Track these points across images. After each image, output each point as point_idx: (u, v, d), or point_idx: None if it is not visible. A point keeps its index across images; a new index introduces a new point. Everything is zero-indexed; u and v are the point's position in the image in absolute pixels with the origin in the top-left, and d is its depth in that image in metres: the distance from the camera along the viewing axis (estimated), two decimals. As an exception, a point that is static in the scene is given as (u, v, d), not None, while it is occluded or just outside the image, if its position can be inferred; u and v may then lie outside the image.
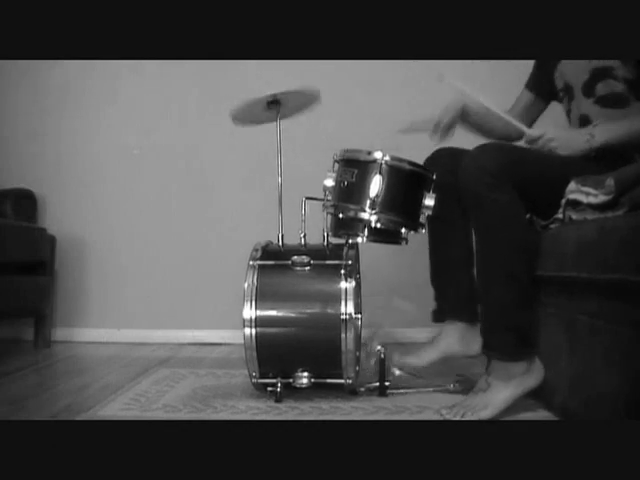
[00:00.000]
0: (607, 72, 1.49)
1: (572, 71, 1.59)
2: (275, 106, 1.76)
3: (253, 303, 1.55)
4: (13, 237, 2.32)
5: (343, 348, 1.51)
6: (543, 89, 1.74)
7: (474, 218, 1.47)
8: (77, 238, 2.72)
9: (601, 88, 1.51)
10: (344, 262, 1.57)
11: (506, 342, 1.42)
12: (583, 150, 1.45)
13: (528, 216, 1.50)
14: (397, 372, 1.68)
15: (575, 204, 1.37)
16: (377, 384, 1.63)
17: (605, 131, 1.45)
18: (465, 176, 1.42)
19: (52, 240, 2.56)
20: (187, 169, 2.74)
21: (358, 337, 1.69)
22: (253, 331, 1.54)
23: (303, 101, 1.81)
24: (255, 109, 1.79)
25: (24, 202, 2.59)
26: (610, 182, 1.26)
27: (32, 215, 2.62)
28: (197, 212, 2.73)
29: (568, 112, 1.66)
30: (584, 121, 1.58)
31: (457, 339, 1.66)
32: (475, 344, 1.59)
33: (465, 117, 1.71)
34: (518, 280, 1.40)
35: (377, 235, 1.53)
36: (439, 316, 1.71)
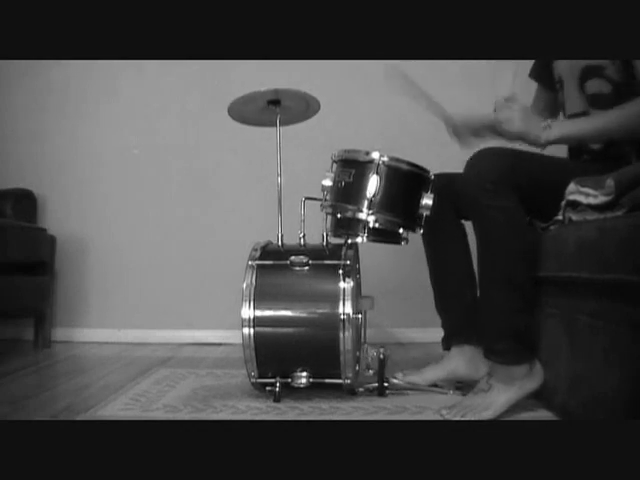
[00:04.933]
0: (598, 71, 1.48)
1: (565, 66, 1.58)
2: (275, 106, 1.76)
3: (251, 303, 1.55)
4: (13, 237, 2.32)
5: (341, 348, 1.51)
6: (544, 78, 1.71)
7: (475, 225, 1.46)
8: (77, 238, 2.72)
9: (590, 87, 1.50)
10: (342, 262, 1.57)
11: (508, 346, 1.41)
12: (536, 136, 1.43)
13: (528, 219, 1.50)
14: (396, 380, 1.67)
15: (575, 205, 1.36)
16: (376, 384, 1.63)
17: (563, 126, 1.45)
18: (465, 184, 1.41)
19: (52, 240, 2.56)
20: (187, 169, 2.75)
21: (357, 337, 1.69)
22: (251, 331, 1.54)
23: (302, 107, 1.81)
24: (254, 107, 1.78)
25: (24, 202, 2.59)
26: (610, 183, 1.25)
27: (32, 215, 2.62)
28: (197, 212, 2.73)
29: (562, 105, 1.66)
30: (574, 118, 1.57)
31: (464, 362, 1.65)
32: (482, 367, 1.57)
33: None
34: (519, 285, 1.40)
35: (376, 235, 1.53)
36: (447, 343, 1.71)
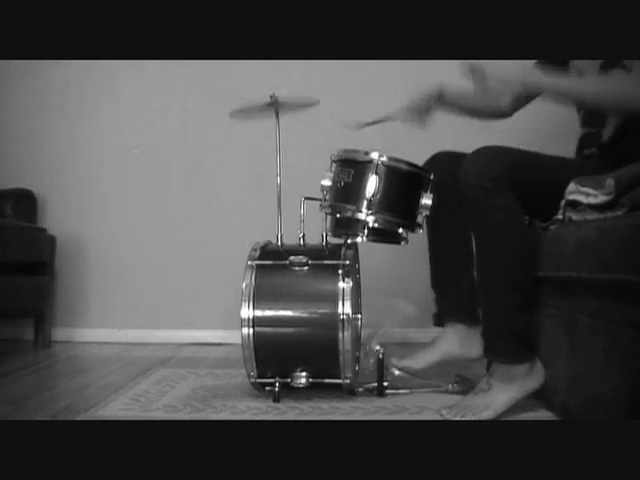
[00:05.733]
0: (617, 60, 1.46)
1: (583, 62, 1.57)
2: (273, 105, 1.76)
3: (251, 303, 1.55)
4: (13, 237, 2.32)
5: (341, 348, 1.51)
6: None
7: (474, 223, 1.46)
8: (77, 238, 2.72)
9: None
10: (342, 262, 1.56)
11: (508, 345, 1.41)
12: (513, 82, 1.44)
13: (527, 218, 1.50)
14: (396, 372, 1.67)
15: (575, 204, 1.36)
16: (375, 384, 1.63)
17: (541, 75, 1.43)
18: (464, 181, 1.41)
19: (52, 240, 2.56)
20: (187, 169, 2.75)
21: (357, 337, 1.69)
22: (251, 331, 1.54)
23: (302, 103, 1.81)
24: (253, 108, 1.79)
25: (24, 202, 2.59)
26: (610, 182, 1.25)
27: (32, 215, 2.62)
28: (197, 212, 2.73)
29: (578, 109, 1.65)
30: (590, 115, 1.57)
31: (457, 341, 1.65)
32: (475, 346, 1.59)
33: (442, 100, 1.70)
34: (519, 284, 1.40)
35: (376, 235, 1.53)
36: (439, 319, 1.71)
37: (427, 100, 1.68)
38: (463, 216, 1.60)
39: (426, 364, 1.67)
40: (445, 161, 1.61)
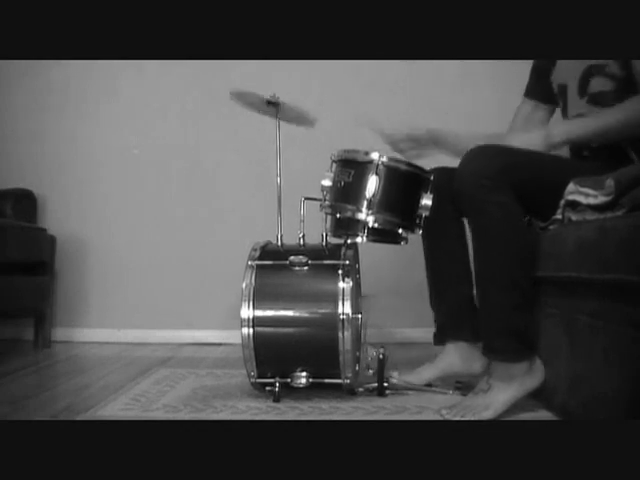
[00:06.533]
0: (600, 69, 1.48)
1: (567, 71, 1.59)
2: (273, 106, 1.76)
3: (251, 303, 1.55)
4: (13, 237, 2.32)
5: (341, 348, 1.51)
6: (542, 94, 1.71)
7: (472, 222, 1.46)
8: (77, 238, 2.72)
9: (593, 86, 1.50)
10: (342, 262, 1.56)
11: (507, 344, 1.41)
12: (544, 147, 1.46)
13: (527, 218, 1.50)
14: (394, 380, 1.67)
15: (574, 205, 1.36)
16: (376, 384, 1.63)
17: (563, 130, 1.46)
18: (460, 179, 1.40)
19: (52, 240, 2.56)
20: (187, 169, 2.75)
21: (357, 337, 1.69)
22: (251, 331, 1.54)
23: (299, 116, 1.82)
24: (255, 100, 1.79)
25: (24, 202, 2.59)
26: (610, 183, 1.25)
27: (32, 215, 2.62)
28: (197, 212, 2.73)
29: (564, 112, 1.65)
30: None
31: (458, 358, 1.65)
32: (477, 363, 1.60)
33: (437, 143, 1.72)
34: (517, 283, 1.40)
35: (376, 235, 1.53)
36: (440, 338, 1.71)
37: (420, 141, 1.72)
38: (460, 228, 1.61)
39: (427, 379, 1.68)
40: (443, 177, 1.60)
